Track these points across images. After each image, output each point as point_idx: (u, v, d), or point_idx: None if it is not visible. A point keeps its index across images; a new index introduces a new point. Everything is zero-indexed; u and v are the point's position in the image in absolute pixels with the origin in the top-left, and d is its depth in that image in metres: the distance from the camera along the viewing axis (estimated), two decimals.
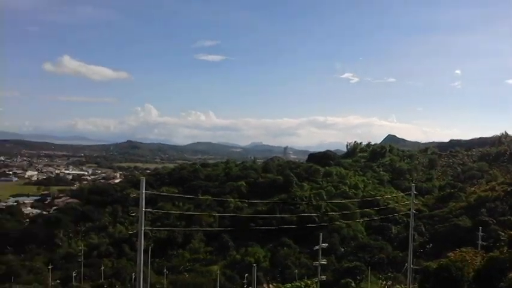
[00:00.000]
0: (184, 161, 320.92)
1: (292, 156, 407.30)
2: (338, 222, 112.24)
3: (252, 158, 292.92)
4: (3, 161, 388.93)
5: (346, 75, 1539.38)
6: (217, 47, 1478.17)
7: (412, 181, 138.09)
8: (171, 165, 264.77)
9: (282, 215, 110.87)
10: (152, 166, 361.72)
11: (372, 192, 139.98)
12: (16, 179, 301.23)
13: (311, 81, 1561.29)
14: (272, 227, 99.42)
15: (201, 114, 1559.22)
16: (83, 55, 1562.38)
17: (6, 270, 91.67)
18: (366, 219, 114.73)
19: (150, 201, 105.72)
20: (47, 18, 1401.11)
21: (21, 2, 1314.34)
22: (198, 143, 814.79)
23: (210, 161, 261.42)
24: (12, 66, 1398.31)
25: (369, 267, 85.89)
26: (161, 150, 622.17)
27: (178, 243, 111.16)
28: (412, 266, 40.97)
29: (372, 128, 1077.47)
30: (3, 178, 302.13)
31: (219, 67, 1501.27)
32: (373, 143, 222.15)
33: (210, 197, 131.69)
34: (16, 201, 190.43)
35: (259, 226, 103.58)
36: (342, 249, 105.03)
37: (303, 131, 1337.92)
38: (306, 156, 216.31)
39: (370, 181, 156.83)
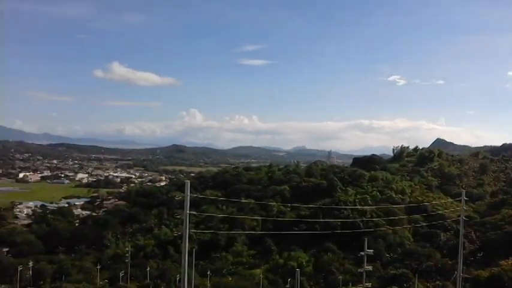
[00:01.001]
0: (227, 165, 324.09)
1: (336, 161, 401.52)
2: (384, 228, 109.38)
3: (295, 162, 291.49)
4: (56, 164, 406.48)
5: (392, 77, 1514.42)
6: (261, 51, 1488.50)
7: (462, 187, 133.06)
8: (215, 169, 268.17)
9: (326, 220, 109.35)
10: (196, 169, 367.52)
11: (419, 198, 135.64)
12: (68, 181, 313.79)
13: (356, 84, 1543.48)
14: (316, 232, 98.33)
15: (244, 118, 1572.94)
16: (131, 62, 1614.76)
17: (58, 270, 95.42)
18: (413, 225, 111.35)
19: (194, 204, 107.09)
20: (97, 27, 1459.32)
21: (72, 12, 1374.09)
22: (240, 147, 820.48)
23: (253, 165, 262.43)
24: (65, 73, 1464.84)
25: (416, 275, 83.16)
26: (205, 153, 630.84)
27: (221, 246, 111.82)
28: (462, 274, 39.35)
29: (419, 131, 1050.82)
30: (55, 180, 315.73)
31: (263, 71, 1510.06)
32: (421, 147, 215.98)
33: (252, 201, 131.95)
34: (67, 203, 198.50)
35: (303, 230, 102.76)
36: (388, 256, 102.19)
37: (348, 134, 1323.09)
38: (351, 161, 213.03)
39: (418, 186, 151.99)
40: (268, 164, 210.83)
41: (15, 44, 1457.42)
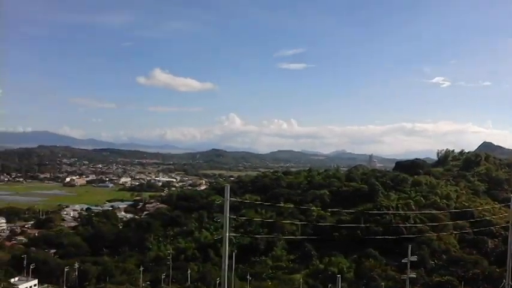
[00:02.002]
0: (266, 169, 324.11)
1: (378, 165, 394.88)
2: (428, 234, 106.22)
3: (335, 166, 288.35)
4: (100, 168, 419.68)
5: (436, 79, 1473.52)
6: (300, 55, 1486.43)
7: (511, 191, 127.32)
8: (254, 173, 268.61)
9: (367, 225, 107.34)
10: (236, 174, 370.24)
11: (465, 203, 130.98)
12: (112, 185, 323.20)
13: (398, 87, 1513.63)
14: (357, 237, 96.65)
15: (283, 122, 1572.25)
16: (172, 68, 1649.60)
17: (102, 271, 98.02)
18: (459, 231, 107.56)
19: (234, 208, 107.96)
20: (140, 35, 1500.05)
21: (117, 21, 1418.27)
22: (279, 151, 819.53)
23: (292, 169, 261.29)
24: (110, 80, 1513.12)
25: (462, 283, 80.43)
26: (244, 158, 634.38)
27: (260, 250, 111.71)
28: (510, 283, 37.40)
29: (465, 134, 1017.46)
30: (100, 184, 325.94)
31: (302, 75, 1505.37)
32: (466, 150, 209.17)
33: (292, 205, 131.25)
34: (111, 206, 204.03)
35: (343, 236, 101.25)
36: (433, 263, 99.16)
37: (389, 138, 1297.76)
38: (393, 165, 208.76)
39: (464, 191, 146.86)
40: (307, 168, 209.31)
41: (63, 54, 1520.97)
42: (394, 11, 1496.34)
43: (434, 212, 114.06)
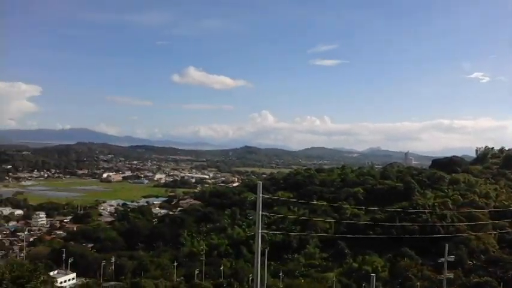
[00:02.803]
0: (299, 166, 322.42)
1: (414, 162, 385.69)
2: (466, 234, 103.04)
3: (370, 163, 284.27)
4: (136, 165, 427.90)
5: (475, 74, 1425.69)
6: (334, 51, 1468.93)
7: None
8: (286, 170, 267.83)
9: (403, 224, 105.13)
10: (268, 171, 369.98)
11: (505, 202, 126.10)
12: (147, 181, 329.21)
13: (435, 83, 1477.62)
14: (392, 236, 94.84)
15: (316, 119, 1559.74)
16: (206, 66, 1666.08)
17: (137, 265, 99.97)
18: (499, 231, 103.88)
19: (266, 205, 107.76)
20: (174, 33, 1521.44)
21: (151, 20, 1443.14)
22: (312, 148, 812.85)
23: (325, 167, 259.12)
24: (145, 78, 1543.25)
25: (501, 284, 77.56)
26: (277, 155, 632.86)
27: (293, 248, 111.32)
28: None
29: (506, 131, 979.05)
30: (136, 180, 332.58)
31: (335, 71, 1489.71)
32: (507, 147, 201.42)
33: (325, 203, 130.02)
34: (147, 202, 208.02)
35: (378, 234, 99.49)
36: (470, 263, 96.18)
37: (426, 135, 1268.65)
38: (429, 162, 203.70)
39: (504, 190, 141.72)
40: (341, 166, 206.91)
41: (100, 53, 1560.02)
42: (431, 4, 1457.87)
43: (472, 211, 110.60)
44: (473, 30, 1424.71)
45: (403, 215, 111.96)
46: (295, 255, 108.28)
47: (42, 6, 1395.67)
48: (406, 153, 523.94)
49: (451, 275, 45.81)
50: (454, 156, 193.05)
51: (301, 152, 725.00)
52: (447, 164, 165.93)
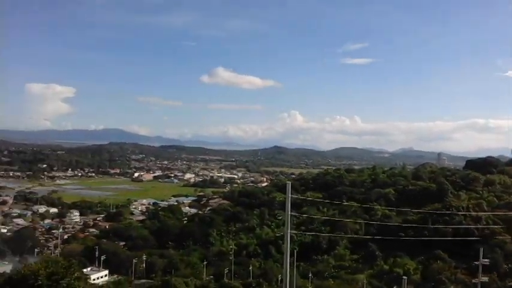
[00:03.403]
0: (328, 167, 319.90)
1: (447, 163, 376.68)
2: (501, 237, 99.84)
3: (401, 164, 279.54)
4: (166, 164, 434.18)
5: (510, 72, 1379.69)
6: (365, 49, 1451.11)
7: None
8: (316, 171, 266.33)
9: (435, 226, 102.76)
10: (297, 171, 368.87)
11: None
12: (177, 180, 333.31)
13: (469, 81, 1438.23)
14: (424, 238, 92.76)
15: (346, 119, 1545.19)
16: (235, 66, 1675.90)
17: (168, 264, 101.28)
18: None
19: (295, 206, 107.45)
20: (203, 34, 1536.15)
21: (180, 20, 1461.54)
22: (342, 148, 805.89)
23: (355, 167, 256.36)
24: (175, 79, 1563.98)
25: None
26: (306, 155, 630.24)
27: (322, 249, 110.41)
28: None
29: None
30: (166, 180, 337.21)
31: (366, 70, 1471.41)
32: None
33: (355, 204, 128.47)
34: (177, 201, 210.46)
35: (410, 236, 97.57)
36: (506, 267, 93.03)
37: (460, 135, 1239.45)
38: (463, 163, 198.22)
39: None
40: (371, 166, 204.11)
41: (131, 54, 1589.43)
42: (464, 1, 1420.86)
43: (508, 213, 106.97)
44: (509, 27, 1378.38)
45: (435, 216, 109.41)
46: (325, 256, 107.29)
47: (75, 8, 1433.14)
48: (439, 154, 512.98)
49: (486, 279, 44.25)
50: (489, 156, 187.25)
51: (330, 152, 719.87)
52: (482, 165, 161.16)
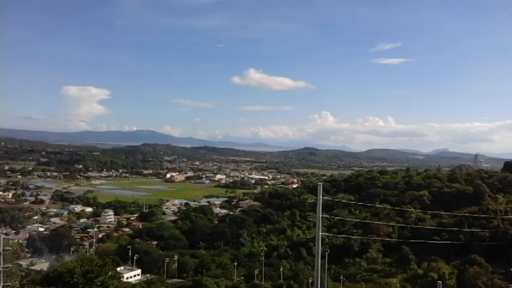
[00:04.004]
0: (360, 168, 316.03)
1: (484, 165, 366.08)
2: None
3: (436, 165, 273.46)
4: (198, 165, 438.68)
5: None
6: (398, 49, 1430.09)
7: None
8: (347, 172, 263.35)
9: (472, 230, 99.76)
10: (328, 172, 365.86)
11: None
12: (208, 181, 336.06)
13: (507, 81, 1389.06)
14: (460, 242, 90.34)
15: (379, 120, 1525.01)
16: (266, 67, 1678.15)
17: (199, 264, 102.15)
18: None
19: (327, 208, 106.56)
20: (234, 36, 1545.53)
21: (212, 23, 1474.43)
22: (375, 149, 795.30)
23: (389, 168, 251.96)
24: (207, 81, 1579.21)
25: None
26: (337, 156, 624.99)
27: (354, 252, 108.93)
28: None
29: None
30: (198, 181, 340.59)
31: (399, 70, 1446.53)
32: None
33: (388, 206, 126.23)
34: (208, 202, 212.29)
35: (445, 240, 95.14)
36: None
37: (498, 136, 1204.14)
38: (501, 165, 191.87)
39: None
40: (405, 168, 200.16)
41: (162, 57, 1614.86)
42: (496, 4, 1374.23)
43: None
44: None
45: (472, 220, 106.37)
46: (357, 259, 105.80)
47: (111, 12, 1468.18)
48: (476, 155, 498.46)
49: None
50: None
51: (363, 154, 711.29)
52: None
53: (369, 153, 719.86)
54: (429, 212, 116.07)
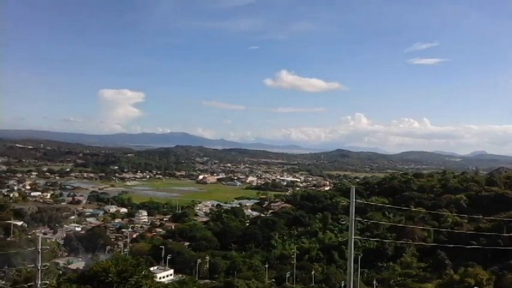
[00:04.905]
0: (394, 171, 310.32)
1: None
2: None
3: (474, 168, 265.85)
4: (229, 167, 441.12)
5: None
6: (434, 49, 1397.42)
7: None
8: (381, 175, 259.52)
9: (511, 234, 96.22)
10: (361, 175, 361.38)
11: None
12: (239, 183, 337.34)
13: None
14: (498, 247, 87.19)
15: (414, 121, 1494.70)
16: (298, 69, 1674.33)
17: (230, 265, 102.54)
18: None
19: (360, 210, 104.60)
20: (266, 38, 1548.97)
21: (244, 25, 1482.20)
22: (410, 151, 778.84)
23: (424, 171, 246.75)
24: (238, 83, 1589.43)
25: None
26: (370, 159, 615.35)
27: (388, 256, 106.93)
28: None
29: None
30: (229, 182, 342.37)
31: (435, 70, 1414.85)
32: None
33: (423, 210, 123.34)
34: (239, 204, 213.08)
35: (482, 245, 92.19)
36: None
37: None
38: None
39: None
40: (441, 171, 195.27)
41: (194, 60, 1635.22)
42: None
43: None
44: None
45: (511, 224, 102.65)
46: (390, 264, 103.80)
47: (143, 17, 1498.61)
48: None
49: None
50: None
51: (397, 156, 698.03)
52: None
53: (403, 156, 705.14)
54: (466, 216, 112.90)
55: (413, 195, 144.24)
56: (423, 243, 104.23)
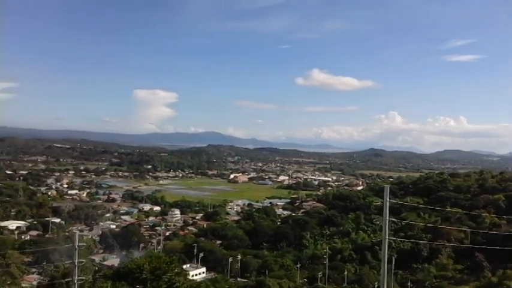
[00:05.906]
0: (430, 170, 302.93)
1: None
2: None
3: None
4: (260, 166, 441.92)
5: None
6: (470, 45, 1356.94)
7: None
8: (416, 174, 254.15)
9: None
10: (395, 175, 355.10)
11: None
12: (270, 182, 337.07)
13: None
14: None
15: (450, 119, 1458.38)
16: (330, 67, 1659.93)
17: (262, 264, 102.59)
18: None
19: (394, 211, 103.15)
20: (298, 37, 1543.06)
21: (275, 25, 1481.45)
22: (445, 150, 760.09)
23: (461, 171, 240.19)
24: (270, 82, 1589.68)
25: None
26: (405, 158, 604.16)
27: (423, 257, 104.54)
28: None
29: None
30: (260, 181, 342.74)
31: (472, 67, 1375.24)
32: None
33: (460, 210, 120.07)
34: (270, 203, 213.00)
35: None
36: None
37: None
38: None
39: None
40: (479, 170, 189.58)
41: (226, 60, 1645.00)
42: None
43: None
44: None
45: None
46: (425, 265, 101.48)
47: (174, 18, 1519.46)
48: None
49: None
50: None
51: (432, 155, 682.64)
52: None
53: (438, 155, 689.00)
54: (504, 217, 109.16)
55: (449, 195, 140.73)
56: (460, 245, 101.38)
